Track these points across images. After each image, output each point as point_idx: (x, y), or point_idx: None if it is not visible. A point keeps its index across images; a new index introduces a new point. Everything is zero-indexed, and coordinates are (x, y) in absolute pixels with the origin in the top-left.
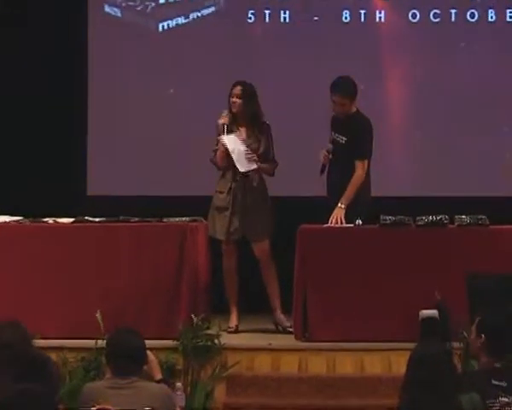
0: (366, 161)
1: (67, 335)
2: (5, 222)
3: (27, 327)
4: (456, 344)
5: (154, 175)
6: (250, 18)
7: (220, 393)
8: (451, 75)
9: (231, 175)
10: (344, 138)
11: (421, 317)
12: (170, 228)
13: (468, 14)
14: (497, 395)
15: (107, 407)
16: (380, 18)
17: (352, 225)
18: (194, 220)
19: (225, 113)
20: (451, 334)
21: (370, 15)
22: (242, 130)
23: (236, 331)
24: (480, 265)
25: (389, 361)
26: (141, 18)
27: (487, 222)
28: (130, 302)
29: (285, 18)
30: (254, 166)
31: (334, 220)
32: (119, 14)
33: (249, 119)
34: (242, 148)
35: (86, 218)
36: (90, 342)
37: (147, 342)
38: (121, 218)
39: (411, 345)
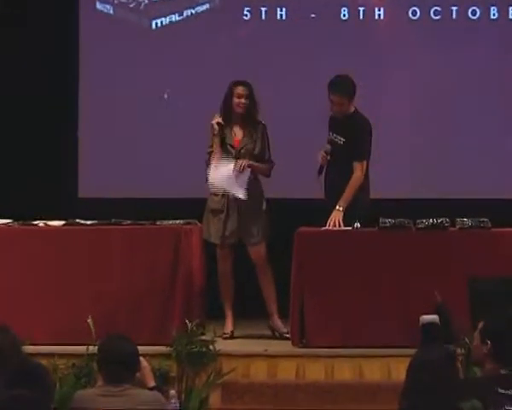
0: (365, 162)
1: (58, 341)
2: None
3: (17, 333)
4: (457, 350)
5: (147, 177)
6: (246, 15)
7: (215, 400)
8: (452, 74)
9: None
10: (342, 139)
11: (421, 322)
12: (163, 231)
13: (470, 11)
14: (503, 403)
15: None
16: (379, 15)
17: (350, 228)
18: (189, 223)
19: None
20: (454, 337)
21: (369, 12)
22: (237, 130)
23: (232, 337)
24: (481, 268)
25: (388, 368)
26: (133, 15)
27: (489, 225)
28: (123, 307)
29: (281, 15)
30: (248, 174)
31: (332, 223)
32: (111, 12)
33: (245, 118)
34: (227, 173)
35: (77, 221)
36: (81, 349)
37: (140, 348)
38: (113, 221)
39: (411, 351)
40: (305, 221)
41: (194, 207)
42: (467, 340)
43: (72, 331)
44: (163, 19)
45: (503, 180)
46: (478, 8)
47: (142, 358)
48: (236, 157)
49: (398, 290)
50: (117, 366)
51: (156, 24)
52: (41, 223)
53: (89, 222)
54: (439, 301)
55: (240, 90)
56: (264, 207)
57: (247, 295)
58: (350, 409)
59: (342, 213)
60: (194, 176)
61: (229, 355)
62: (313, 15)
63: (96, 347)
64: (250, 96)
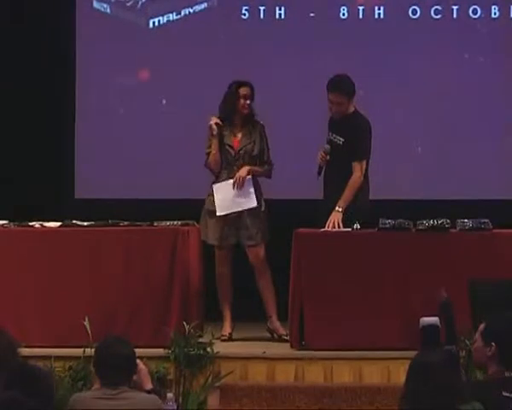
0: (364, 163)
1: (54, 343)
2: None
3: (13, 335)
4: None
5: (144, 178)
6: (244, 14)
7: (213, 403)
8: (452, 74)
9: (224, 179)
10: (341, 139)
11: (421, 325)
12: (161, 232)
13: (471, 10)
14: (508, 407)
15: None
16: (379, 14)
17: (349, 229)
18: (187, 224)
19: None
20: (456, 336)
21: (369, 11)
22: (236, 130)
23: (230, 339)
24: (482, 270)
25: (388, 370)
26: (131, 14)
27: (490, 226)
28: (120, 309)
29: (280, 14)
30: (250, 181)
31: (331, 224)
32: (108, 10)
33: (245, 119)
34: (230, 195)
35: (74, 222)
36: (77, 351)
37: (137, 350)
38: (110, 222)
39: (411, 354)
40: (304, 222)
41: (191, 208)
42: (467, 342)
43: (69, 333)
44: (160, 18)
45: (504, 181)
46: (479, 7)
47: (139, 360)
48: (236, 158)
49: (398, 292)
50: (114, 368)
51: (153, 23)
52: (37, 224)
53: (85, 223)
54: (444, 298)
55: (245, 91)
56: (263, 208)
57: (246, 298)
58: None
59: (342, 214)
60: (192, 177)
61: (228, 358)
62: (312, 14)
63: (93, 349)
64: (252, 96)
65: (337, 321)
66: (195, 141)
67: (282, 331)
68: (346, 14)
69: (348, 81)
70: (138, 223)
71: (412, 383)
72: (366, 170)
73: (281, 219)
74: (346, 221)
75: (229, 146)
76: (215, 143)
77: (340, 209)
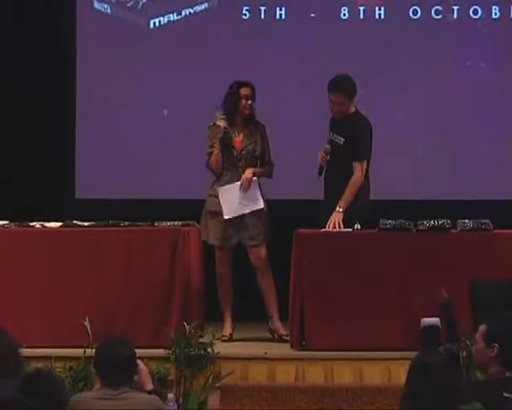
0: (365, 163)
1: (55, 343)
2: None
3: (13, 335)
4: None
5: (145, 178)
6: (245, 14)
7: (214, 403)
8: (453, 74)
9: (226, 179)
10: (342, 139)
11: (422, 325)
12: (161, 232)
13: (471, 10)
14: (508, 407)
15: None
16: (379, 15)
17: (350, 229)
18: (187, 224)
19: (219, 113)
20: (457, 336)
21: (370, 12)
22: (237, 131)
23: (230, 340)
24: (483, 271)
25: (389, 371)
26: (131, 14)
27: (491, 226)
28: (120, 310)
29: (281, 15)
30: (256, 183)
31: (331, 225)
32: (108, 11)
33: (247, 119)
34: (237, 198)
35: (75, 222)
36: (78, 351)
37: (137, 351)
38: (111, 222)
39: (412, 354)
40: (304, 222)
41: (191, 209)
42: (468, 342)
43: (69, 334)
44: (161, 18)
45: (505, 181)
46: (479, 7)
47: (139, 361)
48: (238, 159)
49: (399, 292)
50: (114, 369)
51: (154, 23)
52: (38, 224)
53: (86, 223)
54: (445, 298)
55: (246, 91)
56: (264, 208)
57: (246, 298)
58: None
59: (342, 215)
60: (192, 177)
61: (228, 358)
62: (313, 15)
63: (94, 350)
64: (254, 96)
65: (338, 321)
66: (196, 141)
67: (283, 332)
68: (346, 15)
69: (349, 81)
70: (139, 223)
71: (413, 384)
72: (367, 170)
73: (281, 219)
74: (347, 221)
75: (231, 147)
76: (219, 144)
77: (341, 209)
